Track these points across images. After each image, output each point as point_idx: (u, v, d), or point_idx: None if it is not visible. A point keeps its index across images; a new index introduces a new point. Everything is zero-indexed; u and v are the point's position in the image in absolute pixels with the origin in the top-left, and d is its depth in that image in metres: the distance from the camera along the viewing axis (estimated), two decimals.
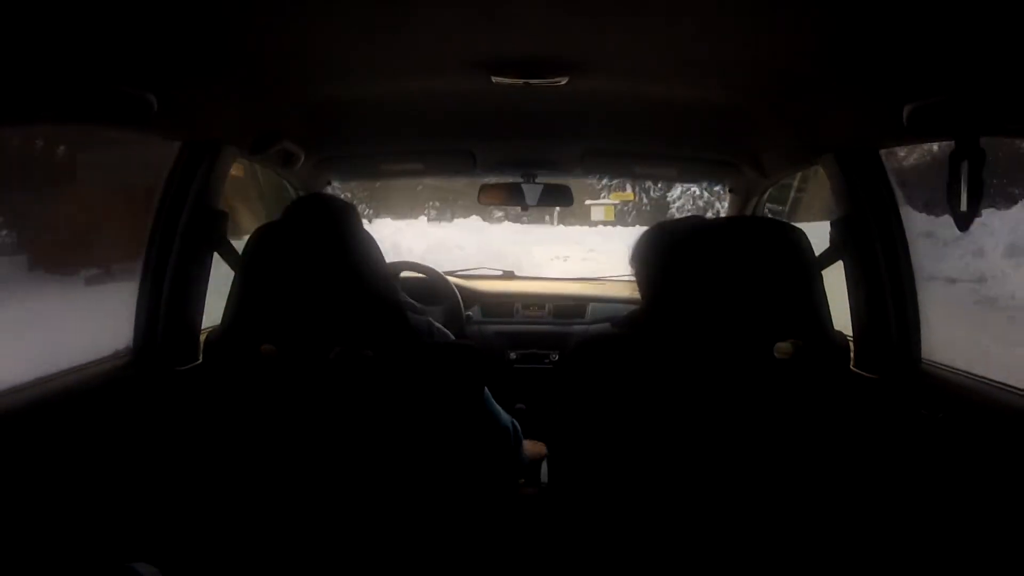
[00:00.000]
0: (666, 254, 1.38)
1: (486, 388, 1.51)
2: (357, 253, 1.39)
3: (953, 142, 1.22)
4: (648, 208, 15.49)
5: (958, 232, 1.25)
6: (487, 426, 1.52)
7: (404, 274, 2.74)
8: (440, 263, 2.94)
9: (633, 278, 1.47)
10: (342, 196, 2.02)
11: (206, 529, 1.37)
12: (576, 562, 1.34)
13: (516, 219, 13.20)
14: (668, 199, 15.16)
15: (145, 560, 1.38)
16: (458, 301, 2.73)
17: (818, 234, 1.53)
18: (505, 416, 1.61)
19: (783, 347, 1.31)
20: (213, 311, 1.66)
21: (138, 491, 1.48)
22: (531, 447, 1.92)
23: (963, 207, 1.22)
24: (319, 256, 1.37)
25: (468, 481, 1.43)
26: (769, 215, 2.89)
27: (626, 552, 1.30)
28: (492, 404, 1.56)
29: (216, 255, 1.77)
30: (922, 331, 1.64)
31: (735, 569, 1.28)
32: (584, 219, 13.20)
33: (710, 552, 1.28)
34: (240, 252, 1.54)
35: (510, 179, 2.66)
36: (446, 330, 1.58)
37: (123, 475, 1.47)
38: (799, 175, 2.95)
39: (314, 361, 1.37)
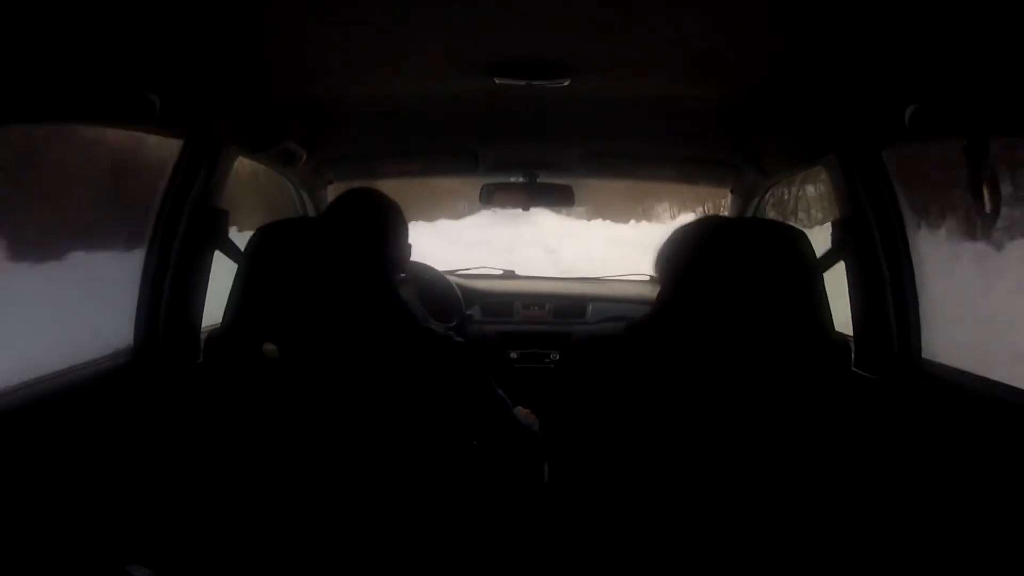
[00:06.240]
0: (690, 253, 1.37)
1: (500, 392, 1.49)
2: (395, 254, 1.44)
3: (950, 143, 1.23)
4: None
5: None
6: (502, 428, 1.50)
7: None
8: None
9: (633, 278, 1.45)
10: None
11: (204, 531, 1.37)
12: (577, 562, 1.34)
13: None
14: None
15: (143, 563, 1.38)
16: (459, 300, 2.73)
17: None
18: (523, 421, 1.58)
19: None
20: (213, 311, 1.66)
21: (137, 492, 1.48)
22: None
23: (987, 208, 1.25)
24: (359, 250, 1.39)
25: (470, 484, 1.43)
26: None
27: (626, 553, 1.30)
28: (509, 412, 1.51)
29: (217, 254, 1.77)
30: (923, 331, 1.64)
31: (738, 570, 1.28)
32: None
33: (712, 554, 1.27)
34: (242, 250, 1.53)
35: (512, 179, 2.66)
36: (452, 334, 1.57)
37: (122, 476, 1.47)
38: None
39: (318, 361, 1.37)
